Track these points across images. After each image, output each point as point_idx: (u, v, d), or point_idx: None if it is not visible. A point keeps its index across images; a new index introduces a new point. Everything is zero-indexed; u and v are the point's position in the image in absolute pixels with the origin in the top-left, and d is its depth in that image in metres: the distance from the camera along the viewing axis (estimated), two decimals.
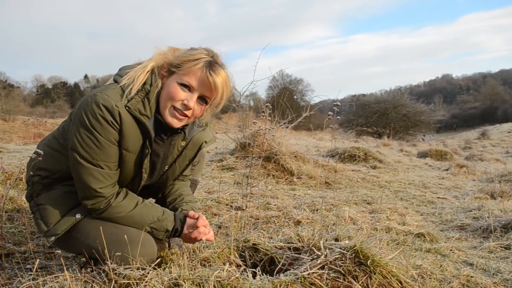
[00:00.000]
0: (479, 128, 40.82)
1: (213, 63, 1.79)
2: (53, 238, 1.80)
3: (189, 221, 1.92)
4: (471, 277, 2.37)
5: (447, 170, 8.11)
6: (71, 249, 1.96)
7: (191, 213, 1.94)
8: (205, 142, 2.04)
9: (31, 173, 1.87)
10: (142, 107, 1.74)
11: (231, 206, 3.74)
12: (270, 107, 5.44)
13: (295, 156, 6.02)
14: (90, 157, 1.70)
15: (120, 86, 1.75)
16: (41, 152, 1.81)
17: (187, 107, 1.79)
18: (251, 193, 4.00)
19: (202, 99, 1.83)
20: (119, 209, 1.81)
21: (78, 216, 1.81)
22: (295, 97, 50.00)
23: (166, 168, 2.02)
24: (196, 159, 2.08)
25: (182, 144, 1.97)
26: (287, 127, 6.44)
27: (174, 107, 1.78)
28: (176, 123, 1.81)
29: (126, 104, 1.71)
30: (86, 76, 79.45)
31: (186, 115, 1.80)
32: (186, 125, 1.91)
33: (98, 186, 1.73)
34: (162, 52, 1.86)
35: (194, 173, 2.30)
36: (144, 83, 1.77)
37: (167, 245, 2.10)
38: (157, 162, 1.96)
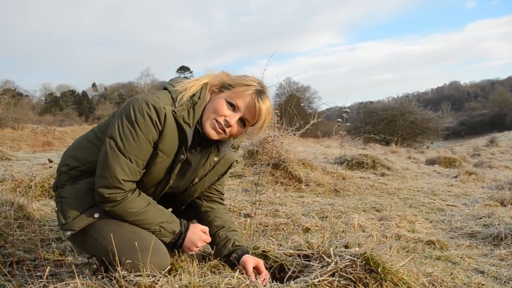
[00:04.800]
0: (488, 135, 40.42)
1: (261, 92, 1.92)
2: (69, 233, 1.84)
3: (192, 227, 1.97)
4: (482, 285, 2.36)
5: (456, 177, 8.07)
6: (86, 248, 1.97)
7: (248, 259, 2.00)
8: (236, 161, 2.14)
9: (70, 154, 1.92)
10: (186, 115, 1.85)
11: (239, 213, 3.73)
12: (279, 114, 5.44)
13: (303, 163, 6.02)
14: (124, 149, 1.76)
15: (170, 92, 1.87)
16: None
17: (228, 124, 1.89)
18: (260, 200, 4.00)
19: (242, 122, 1.94)
20: (133, 205, 1.85)
21: (96, 215, 1.85)
22: (302, 104, 49.92)
23: (197, 181, 2.08)
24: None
25: (215, 159, 2.06)
26: (294, 134, 6.43)
27: (216, 120, 1.87)
28: (214, 135, 1.90)
29: (173, 109, 1.81)
30: (94, 85, 79.63)
31: (224, 131, 1.90)
32: (221, 141, 1.99)
33: (122, 177, 1.77)
34: (214, 73, 2.00)
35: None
36: (194, 95, 1.89)
37: (176, 252, 2.11)
38: (188, 170, 2.01)
